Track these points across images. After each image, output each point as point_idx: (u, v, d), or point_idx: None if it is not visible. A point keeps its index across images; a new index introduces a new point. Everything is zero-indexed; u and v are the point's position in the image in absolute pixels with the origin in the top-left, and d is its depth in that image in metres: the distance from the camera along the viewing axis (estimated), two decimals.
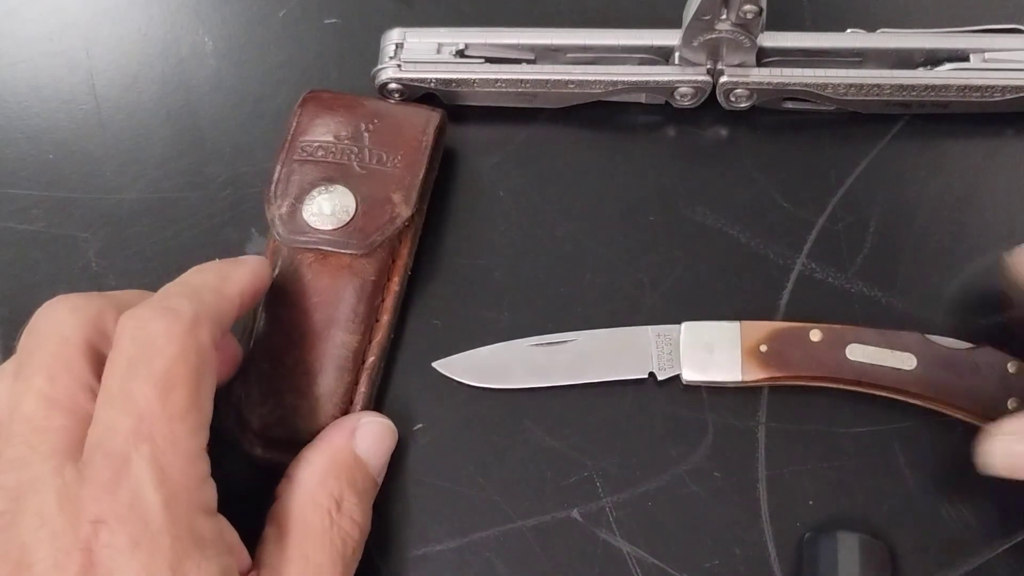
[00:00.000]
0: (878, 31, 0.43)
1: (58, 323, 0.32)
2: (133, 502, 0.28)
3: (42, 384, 0.30)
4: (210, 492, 0.31)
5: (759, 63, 0.42)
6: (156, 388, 0.29)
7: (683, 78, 0.43)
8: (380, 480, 0.37)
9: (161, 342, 0.30)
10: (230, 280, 0.34)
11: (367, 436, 0.36)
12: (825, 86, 0.42)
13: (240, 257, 0.37)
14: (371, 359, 0.39)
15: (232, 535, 0.31)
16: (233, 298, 0.34)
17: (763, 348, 0.38)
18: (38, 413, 0.30)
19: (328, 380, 0.38)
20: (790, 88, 0.42)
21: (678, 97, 0.44)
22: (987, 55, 0.42)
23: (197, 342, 0.31)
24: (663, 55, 0.43)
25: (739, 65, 0.42)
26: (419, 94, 0.44)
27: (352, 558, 0.34)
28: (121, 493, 0.28)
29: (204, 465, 0.31)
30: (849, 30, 0.43)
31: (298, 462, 0.35)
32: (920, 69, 0.43)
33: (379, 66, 0.44)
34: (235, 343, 0.38)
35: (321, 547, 0.33)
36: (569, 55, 0.44)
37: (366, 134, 0.40)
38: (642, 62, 0.43)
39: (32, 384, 0.30)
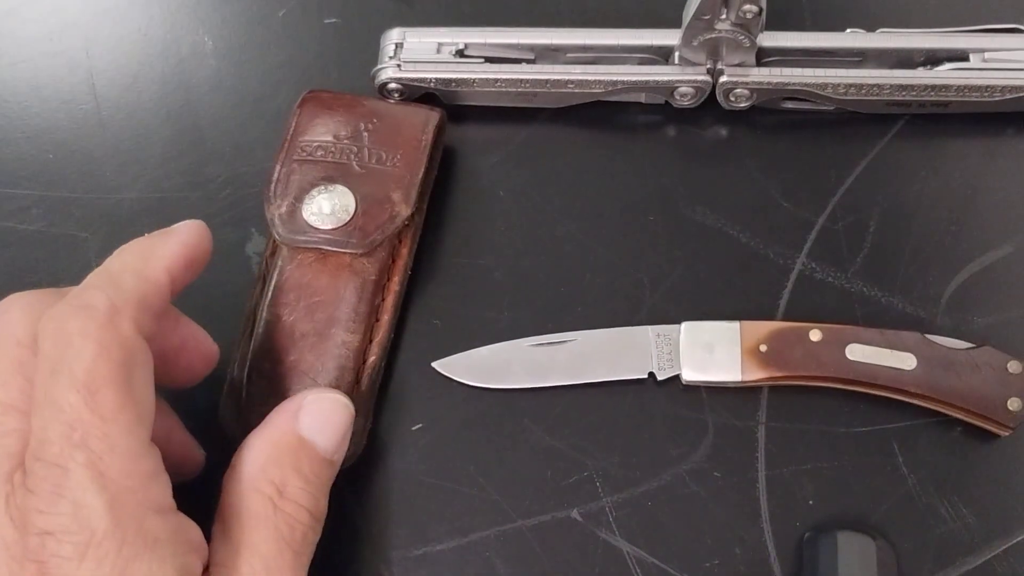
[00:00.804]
0: (878, 31, 0.43)
1: (9, 324, 0.31)
2: (76, 512, 0.27)
3: None
4: (161, 489, 0.29)
5: (759, 63, 0.42)
6: (80, 393, 0.28)
7: (683, 78, 0.43)
8: (338, 458, 0.34)
9: (78, 342, 0.29)
10: (153, 258, 0.32)
11: (313, 415, 0.34)
12: (825, 86, 0.42)
13: (171, 227, 0.34)
14: (372, 358, 0.39)
15: (195, 532, 0.30)
16: (158, 278, 0.32)
17: (763, 348, 0.38)
18: None
19: (329, 379, 0.37)
20: (790, 88, 0.42)
21: (678, 97, 0.44)
22: (987, 55, 0.42)
23: (119, 335, 0.29)
24: (663, 55, 0.43)
25: (739, 65, 0.42)
26: (419, 94, 0.44)
27: (303, 543, 0.32)
28: (63, 504, 0.28)
29: (150, 462, 0.29)
30: (849, 30, 0.43)
31: (240, 450, 0.33)
32: (920, 69, 0.43)
33: (379, 66, 0.44)
34: (207, 340, 0.36)
35: (266, 536, 0.31)
36: (569, 55, 0.44)
37: (365, 134, 0.40)
38: (642, 62, 0.43)
39: None
